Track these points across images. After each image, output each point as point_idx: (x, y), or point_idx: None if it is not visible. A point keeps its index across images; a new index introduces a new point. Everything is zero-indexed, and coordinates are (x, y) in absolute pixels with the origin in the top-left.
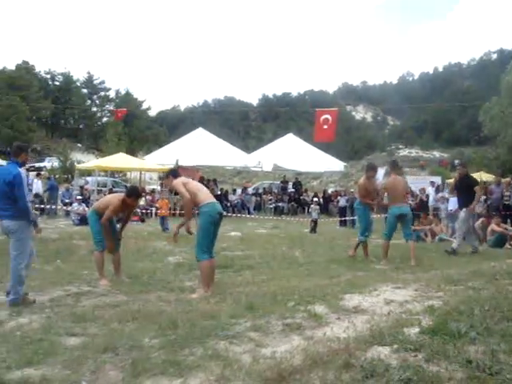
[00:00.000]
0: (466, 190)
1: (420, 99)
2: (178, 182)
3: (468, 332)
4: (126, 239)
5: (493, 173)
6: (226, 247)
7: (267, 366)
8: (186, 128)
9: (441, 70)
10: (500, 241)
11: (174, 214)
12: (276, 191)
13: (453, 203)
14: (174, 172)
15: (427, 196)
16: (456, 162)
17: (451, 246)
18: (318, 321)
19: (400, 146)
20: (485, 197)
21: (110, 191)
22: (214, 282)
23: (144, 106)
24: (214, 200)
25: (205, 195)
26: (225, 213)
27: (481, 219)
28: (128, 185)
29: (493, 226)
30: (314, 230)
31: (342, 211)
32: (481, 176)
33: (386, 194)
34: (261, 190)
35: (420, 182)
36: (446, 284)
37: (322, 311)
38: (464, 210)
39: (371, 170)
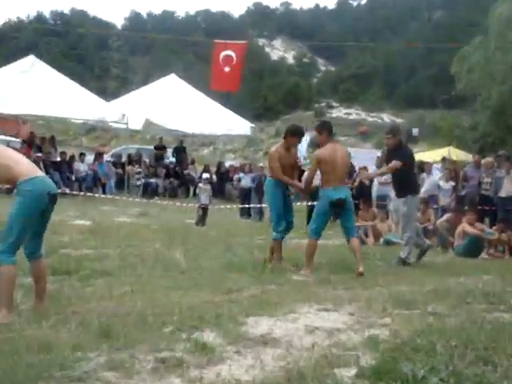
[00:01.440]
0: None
1: (368, 35)
2: None
3: (427, 377)
4: None
5: (467, 149)
6: (68, 243)
7: None
8: (9, 54)
9: None
10: (474, 247)
11: None
12: (147, 161)
13: None
14: None
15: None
16: (414, 130)
17: (398, 255)
18: (208, 355)
19: (334, 104)
20: (453, 183)
21: None
22: (47, 293)
23: None
24: (42, 174)
25: (26, 166)
26: (67, 190)
27: (446, 215)
28: None
29: (464, 226)
30: (202, 220)
31: (245, 195)
32: (449, 153)
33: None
34: (124, 159)
35: (361, 158)
36: (394, 306)
37: (214, 341)
38: (403, 199)
39: (295, 135)
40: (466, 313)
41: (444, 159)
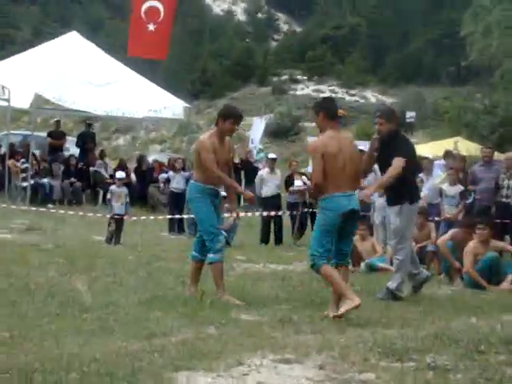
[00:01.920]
0: (390, 164)
1: None
2: None
3: None
4: None
5: (481, 140)
6: None
7: None
8: None
9: None
10: (491, 272)
11: None
12: (38, 154)
13: None
14: None
15: None
16: (409, 114)
17: (386, 286)
18: None
19: (299, 77)
20: (461, 187)
21: None
22: None
23: None
24: None
25: None
26: None
27: (452, 231)
28: None
29: (475, 246)
30: (115, 237)
31: (176, 201)
32: (457, 145)
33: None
34: (4, 150)
35: None
36: (380, 357)
37: None
38: (396, 208)
39: (228, 118)
40: (479, 366)
41: (449, 154)
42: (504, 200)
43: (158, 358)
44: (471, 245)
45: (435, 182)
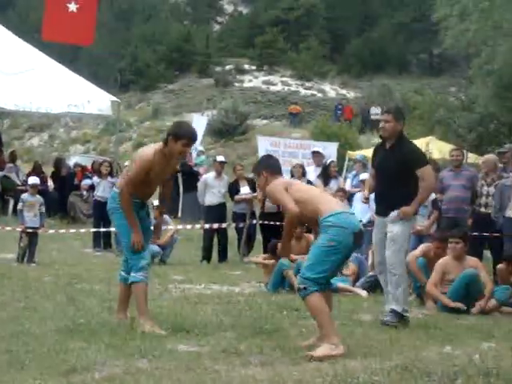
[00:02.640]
0: (397, 174)
1: None
2: None
3: None
4: None
5: (457, 141)
6: None
7: None
8: None
9: None
10: (468, 291)
11: None
12: None
13: (362, 208)
14: None
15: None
16: (374, 110)
17: (392, 309)
18: None
19: (246, 66)
20: (434, 195)
21: None
22: None
23: None
24: None
25: None
26: None
27: (422, 246)
28: None
29: (445, 262)
30: (29, 254)
31: (102, 212)
32: (427, 146)
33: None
34: None
35: (293, 153)
36: None
37: None
38: (392, 214)
39: (179, 138)
40: None
41: None
42: (483, 210)
43: None
44: (441, 261)
45: None
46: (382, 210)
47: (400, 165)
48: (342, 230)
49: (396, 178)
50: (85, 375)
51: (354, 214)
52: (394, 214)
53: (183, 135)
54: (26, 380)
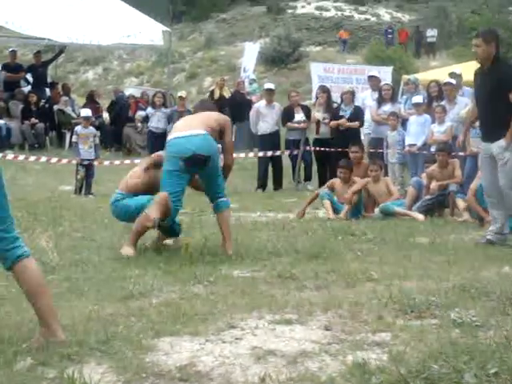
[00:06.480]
0: (495, 97)
1: None
2: None
3: None
4: None
5: None
6: None
7: None
8: None
9: None
10: None
11: None
12: None
13: (416, 131)
14: None
15: (359, 111)
16: (430, 33)
17: (487, 236)
18: None
19: None
20: None
21: None
22: None
23: None
24: None
25: None
26: None
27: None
28: None
29: None
30: (86, 187)
31: (156, 144)
32: None
33: None
34: None
35: (347, 79)
36: (397, 314)
37: (102, 379)
38: (499, 143)
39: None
40: None
41: (452, 75)
42: None
43: (136, 323)
44: None
45: (461, 112)
46: (485, 135)
47: (497, 87)
48: (172, 157)
49: (495, 102)
50: (142, 301)
51: (188, 137)
52: (499, 143)
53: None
54: (85, 306)
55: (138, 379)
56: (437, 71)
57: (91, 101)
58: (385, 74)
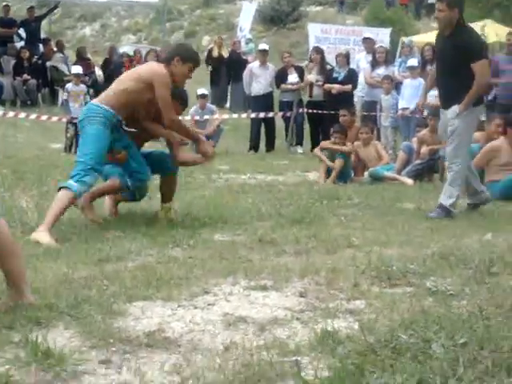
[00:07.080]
0: (454, 64)
1: None
2: None
3: None
4: None
5: None
6: None
7: None
8: None
9: None
10: None
11: None
12: None
13: (410, 95)
14: None
15: (353, 73)
16: None
17: (440, 203)
18: (54, 368)
19: None
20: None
21: None
22: None
23: None
24: None
25: None
26: None
27: (479, 134)
28: None
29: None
30: (76, 144)
31: None
32: (483, 30)
33: None
34: None
35: (344, 40)
36: (373, 281)
37: (67, 344)
38: (453, 108)
39: (189, 60)
40: (488, 290)
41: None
42: None
43: (110, 286)
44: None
45: None
46: (442, 101)
47: (456, 55)
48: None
49: (453, 68)
50: (118, 264)
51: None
52: (453, 108)
53: (191, 58)
54: (60, 269)
55: (104, 345)
56: (436, 33)
57: (81, 58)
58: (383, 35)
